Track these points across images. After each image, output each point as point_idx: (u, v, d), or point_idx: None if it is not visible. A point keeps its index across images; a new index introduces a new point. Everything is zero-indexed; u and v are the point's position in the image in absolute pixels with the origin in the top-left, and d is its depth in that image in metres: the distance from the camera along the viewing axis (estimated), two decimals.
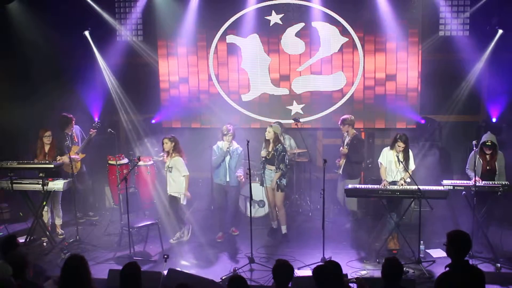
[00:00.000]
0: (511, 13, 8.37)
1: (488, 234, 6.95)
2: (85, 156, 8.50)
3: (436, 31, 8.91)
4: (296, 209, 8.77)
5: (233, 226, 7.89)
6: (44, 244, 7.50)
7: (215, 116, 9.37)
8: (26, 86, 9.24)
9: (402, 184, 6.89)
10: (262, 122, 9.35)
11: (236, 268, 6.55)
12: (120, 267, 4.57)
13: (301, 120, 8.95)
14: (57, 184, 7.36)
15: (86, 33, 9.30)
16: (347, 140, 7.90)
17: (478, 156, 6.96)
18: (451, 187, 6.87)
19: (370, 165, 8.43)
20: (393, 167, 7.09)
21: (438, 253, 6.93)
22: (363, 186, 7.36)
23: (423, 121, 9.01)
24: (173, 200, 7.54)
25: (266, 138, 7.55)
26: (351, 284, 4.90)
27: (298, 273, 6.23)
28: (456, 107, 8.97)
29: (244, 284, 4.29)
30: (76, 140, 8.55)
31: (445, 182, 6.97)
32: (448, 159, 8.90)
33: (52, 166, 7.42)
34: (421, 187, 6.62)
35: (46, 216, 7.88)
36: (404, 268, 5.93)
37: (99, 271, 6.40)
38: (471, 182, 6.80)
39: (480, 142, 7.01)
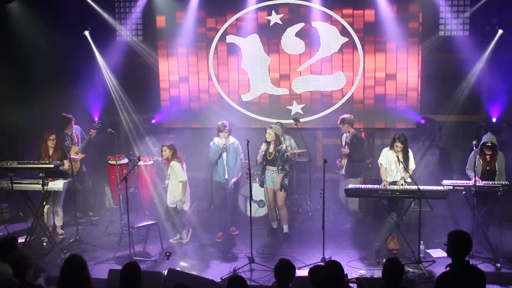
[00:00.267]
0: (511, 13, 8.36)
1: (488, 234, 6.95)
2: (85, 156, 8.50)
3: (436, 31, 8.90)
4: (296, 209, 8.77)
5: (233, 225, 7.89)
6: (44, 244, 7.50)
7: (215, 116, 9.35)
8: (26, 86, 9.24)
9: (402, 184, 6.89)
10: (262, 122, 9.34)
11: (236, 268, 6.55)
12: (120, 267, 4.57)
13: (301, 120, 8.96)
14: (57, 184, 7.36)
15: (86, 33, 9.29)
16: (347, 139, 7.90)
17: (478, 156, 6.96)
18: (451, 187, 6.87)
19: (370, 165, 8.42)
20: (393, 167, 7.09)
21: (438, 253, 6.93)
22: (363, 186, 7.36)
23: (423, 121, 9.01)
24: (173, 210, 7.48)
25: (268, 140, 7.48)
26: (351, 284, 4.90)
27: (298, 273, 6.19)
28: (456, 107, 8.96)
29: (244, 284, 4.29)
30: (76, 140, 8.56)
31: (445, 182, 6.97)
32: (448, 159, 8.89)
33: (52, 166, 7.42)
34: (421, 187, 6.62)
35: (49, 216, 7.89)
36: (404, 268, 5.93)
37: (99, 271, 6.41)
38: (471, 182, 6.80)
39: (480, 143, 7.01)
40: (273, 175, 7.56)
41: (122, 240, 7.37)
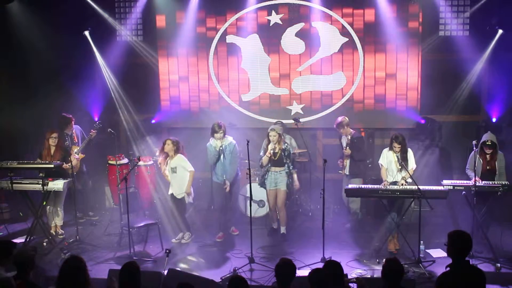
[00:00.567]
0: (511, 13, 8.36)
1: (488, 234, 6.95)
2: (85, 156, 8.50)
3: (436, 31, 8.90)
4: (296, 209, 8.77)
5: (233, 225, 7.88)
6: (44, 244, 7.50)
7: (215, 116, 9.35)
8: (26, 86, 9.24)
9: (402, 184, 6.89)
10: (262, 122, 9.35)
11: (236, 268, 6.55)
12: (120, 267, 4.57)
13: (301, 120, 8.96)
14: (57, 184, 7.35)
15: (86, 33, 9.28)
16: (347, 140, 7.90)
17: (478, 156, 6.96)
18: (451, 187, 6.87)
19: (370, 165, 8.43)
20: (393, 167, 7.09)
21: (438, 253, 6.93)
22: (363, 186, 7.36)
23: (423, 121, 9.01)
24: (179, 202, 7.54)
25: (273, 141, 7.39)
26: (351, 284, 4.90)
27: (298, 273, 6.20)
28: (456, 107, 8.96)
29: (244, 284, 4.29)
30: (76, 140, 8.56)
31: (445, 182, 6.97)
32: (448, 159, 8.90)
33: (52, 166, 7.41)
34: (421, 187, 6.62)
35: (51, 217, 7.88)
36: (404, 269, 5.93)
37: (99, 271, 6.41)
38: (471, 182, 6.80)
39: (480, 142, 7.02)
40: (276, 176, 7.52)
41: (122, 240, 7.37)
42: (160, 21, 9.44)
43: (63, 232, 7.98)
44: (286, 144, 7.57)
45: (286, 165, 7.50)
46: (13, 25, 9.04)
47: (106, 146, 8.82)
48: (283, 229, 7.71)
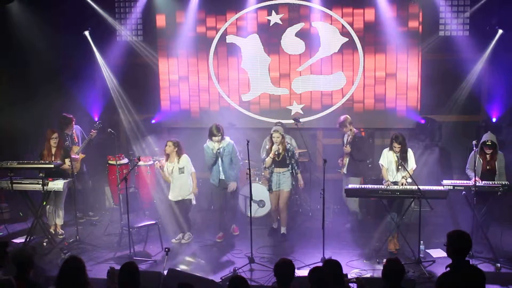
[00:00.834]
0: (511, 13, 8.36)
1: (488, 234, 6.95)
2: (85, 156, 8.50)
3: (436, 31, 8.90)
4: (296, 209, 8.77)
5: (233, 224, 7.85)
6: (44, 244, 7.50)
7: (215, 115, 9.37)
8: (26, 86, 9.23)
9: (402, 184, 6.89)
10: (262, 122, 9.36)
11: (236, 268, 6.55)
12: (120, 267, 4.57)
13: (301, 120, 8.96)
14: (57, 184, 7.35)
15: (86, 33, 9.29)
16: (348, 138, 7.90)
17: (478, 156, 6.96)
18: (451, 187, 6.87)
19: (370, 165, 8.43)
20: (393, 167, 7.09)
21: (438, 253, 6.93)
22: (363, 186, 7.36)
23: (423, 121, 9.01)
24: (184, 203, 7.54)
25: (276, 143, 7.37)
26: (351, 284, 4.90)
27: (298, 273, 6.21)
28: (456, 107, 8.96)
29: (244, 284, 4.28)
30: (76, 140, 8.56)
31: (445, 182, 6.97)
32: (448, 159, 8.90)
33: (52, 166, 7.41)
34: (421, 187, 6.62)
35: (51, 217, 7.88)
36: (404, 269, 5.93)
37: (99, 271, 6.41)
38: (471, 182, 6.80)
39: (480, 142, 7.02)
40: (280, 177, 7.50)
41: (122, 240, 7.37)
42: (160, 20, 9.44)
43: (63, 232, 7.98)
44: (289, 145, 7.57)
45: (290, 165, 7.50)
46: (13, 25, 9.04)
47: (106, 146, 8.82)
48: (283, 229, 7.71)
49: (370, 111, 9.22)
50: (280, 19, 9.19)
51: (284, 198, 7.56)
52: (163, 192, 8.05)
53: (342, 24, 9.06)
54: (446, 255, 4.38)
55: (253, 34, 9.28)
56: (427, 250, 7.00)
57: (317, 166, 9.16)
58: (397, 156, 7.00)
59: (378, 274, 6.26)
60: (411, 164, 7.10)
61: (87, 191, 8.79)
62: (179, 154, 7.47)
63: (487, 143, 6.97)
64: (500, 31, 8.54)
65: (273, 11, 9.19)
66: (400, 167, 6.96)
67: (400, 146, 6.99)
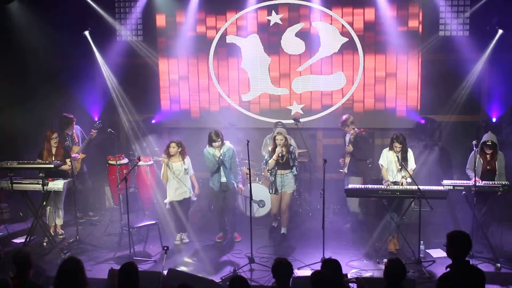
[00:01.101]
0: (511, 13, 8.36)
1: (488, 234, 6.95)
2: (85, 156, 8.50)
3: (436, 31, 8.90)
4: (296, 209, 8.77)
5: (235, 230, 7.77)
6: (44, 244, 7.50)
7: (215, 115, 9.37)
8: (26, 86, 9.23)
9: (402, 184, 6.89)
10: (262, 122, 9.36)
11: (236, 268, 6.55)
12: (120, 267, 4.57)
13: (301, 120, 8.96)
14: (57, 184, 7.34)
15: (86, 33, 9.29)
16: (350, 138, 7.89)
17: (478, 156, 6.97)
18: (451, 187, 6.87)
19: (370, 165, 8.43)
20: (393, 167, 7.09)
21: (438, 253, 6.93)
22: (363, 186, 7.36)
23: (423, 121, 9.01)
24: (187, 202, 7.55)
25: (280, 145, 7.31)
26: (351, 284, 4.90)
27: (298, 273, 6.22)
28: (456, 107, 8.96)
29: (245, 284, 4.28)
30: (77, 140, 8.56)
31: (445, 182, 6.97)
32: (448, 159, 8.89)
33: (52, 166, 7.41)
34: (421, 187, 6.62)
35: (51, 216, 7.88)
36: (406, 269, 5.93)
37: (99, 271, 6.42)
38: (471, 182, 6.80)
39: (481, 142, 7.02)
40: (283, 179, 7.47)
41: (122, 240, 7.36)
42: (160, 20, 9.44)
43: (63, 232, 7.98)
44: (292, 147, 7.57)
45: (294, 167, 7.49)
46: (13, 25, 9.03)
47: (106, 146, 8.81)
48: (283, 230, 7.70)
49: (370, 111, 9.22)
50: (280, 19, 9.19)
51: (287, 199, 7.54)
52: (163, 192, 8.04)
53: (342, 24, 9.06)
54: (446, 255, 4.38)
55: (253, 34, 9.28)
56: (427, 250, 7.00)
57: (317, 166, 9.16)
58: (397, 156, 7.00)
59: (378, 274, 6.27)
60: (411, 164, 7.10)
61: (87, 191, 8.79)
62: (183, 155, 7.45)
63: (487, 143, 6.97)
64: (500, 31, 8.54)
65: (273, 11, 9.19)
66: (400, 167, 6.96)
67: (401, 146, 6.99)
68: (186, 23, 9.31)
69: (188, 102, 9.62)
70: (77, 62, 9.35)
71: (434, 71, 8.98)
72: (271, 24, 9.23)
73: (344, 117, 7.97)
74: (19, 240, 7.65)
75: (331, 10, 9.05)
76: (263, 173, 8.45)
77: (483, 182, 6.86)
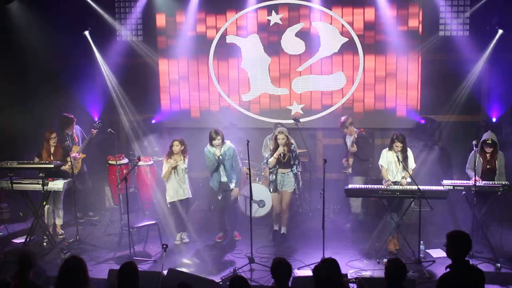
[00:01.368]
0: (511, 13, 8.36)
1: (488, 234, 6.95)
2: (85, 156, 8.50)
3: (436, 31, 8.90)
4: (296, 209, 8.76)
5: (235, 229, 7.79)
6: (44, 244, 7.50)
7: (215, 115, 9.37)
8: (25, 86, 9.23)
9: (402, 184, 6.89)
10: (262, 122, 9.36)
11: (236, 268, 6.55)
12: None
13: (301, 120, 8.97)
14: (57, 184, 7.35)
15: (86, 33, 9.29)
16: (352, 138, 7.89)
17: (478, 155, 6.97)
18: (451, 187, 6.87)
19: (370, 165, 8.43)
20: (393, 167, 7.09)
21: (438, 253, 6.93)
22: (363, 186, 7.36)
23: (423, 121, 9.01)
24: (188, 201, 7.56)
25: (282, 145, 7.32)
26: (351, 284, 4.90)
27: (298, 273, 6.23)
28: (456, 107, 8.96)
29: (245, 284, 4.28)
30: (77, 140, 8.57)
31: (445, 182, 6.97)
32: (448, 159, 8.90)
33: (52, 166, 7.41)
34: (421, 187, 6.62)
35: (50, 216, 7.87)
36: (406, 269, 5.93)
37: (99, 271, 6.42)
38: (471, 182, 6.80)
39: (481, 141, 7.02)
40: (284, 178, 7.46)
41: (122, 240, 7.36)
42: (160, 20, 9.44)
43: (63, 232, 7.98)
44: (293, 146, 7.57)
45: (295, 166, 7.48)
46: (13, 25, 9.03)
47: (106, 146, 8.81)
48: (283, 229, 7.70)
49: (370, 111, 9.22)
50: (280, 19, 9.19)
51: (287, 199, 7.54)
52: (163, 192, 8.04)
53: (342, 24, 9.07)
54: (446, 255, 4.38)
55: (253, 34, 9.28)
56: (427, 250, 7.00)
57: (317, 166, 9.16)
58: (397, 156, 7.00)
59: (378, 274, 6.27)
60: (411, 164, 7.10)
61: (87, 191, 8.79)
62: (184, 154, 7.46)
63: (488, 141, 6.98)
64: (500, 31, 8.54)
65: (273, 11, 9.19)
66: (399, 167, 6.96)
67: (402, 145, 6.99)
68: (186, 23, 9.32)
69: (188, 102, 9.62)
70: (77, 62, 9.35)
71: (434, 71, 8.98)
72: (271, 24, 9.23)
73: (343, 118, 7.96)
74: (19, 240, 7.65)
75: (331, 10, 9.05)
76: (263, 173, 8.45)
77: (483, 182, 6.86)
